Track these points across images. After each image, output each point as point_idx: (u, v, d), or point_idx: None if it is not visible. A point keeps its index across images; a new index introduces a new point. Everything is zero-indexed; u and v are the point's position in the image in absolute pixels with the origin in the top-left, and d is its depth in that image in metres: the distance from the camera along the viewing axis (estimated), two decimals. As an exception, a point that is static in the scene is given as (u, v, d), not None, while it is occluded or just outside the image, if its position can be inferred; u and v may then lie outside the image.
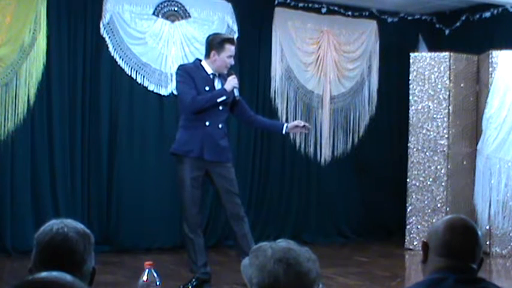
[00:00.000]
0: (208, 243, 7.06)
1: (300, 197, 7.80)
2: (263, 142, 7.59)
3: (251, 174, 7.49)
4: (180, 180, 5.21)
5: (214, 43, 5.20)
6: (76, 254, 1.90)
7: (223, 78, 5.26)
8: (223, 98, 5.15)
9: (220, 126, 5.22)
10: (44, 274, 1.28)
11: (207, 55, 5.23)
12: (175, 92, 7.00)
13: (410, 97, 7.50)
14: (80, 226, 1.99)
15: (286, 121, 7.66)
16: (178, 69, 5.34)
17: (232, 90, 5.21)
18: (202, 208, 5.82)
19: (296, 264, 1.57)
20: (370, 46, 8.18)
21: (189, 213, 5.19)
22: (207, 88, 5.17)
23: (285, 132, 5.53)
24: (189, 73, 5.18)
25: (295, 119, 7.69)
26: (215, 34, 5.49)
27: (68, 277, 1.28)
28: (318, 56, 7.89)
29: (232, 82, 5.19)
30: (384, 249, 7.46)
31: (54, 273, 1.29)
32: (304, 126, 5.43)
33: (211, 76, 5.23)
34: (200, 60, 5.34)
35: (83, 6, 6.68)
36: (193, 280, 5.22)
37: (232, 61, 5.22)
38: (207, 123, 5.16)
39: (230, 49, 5.17)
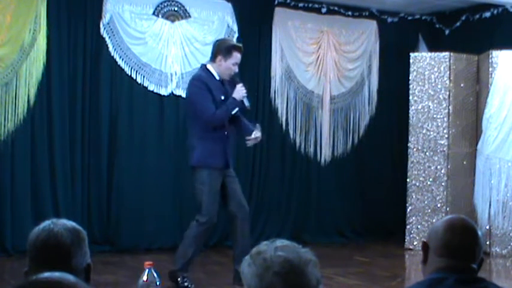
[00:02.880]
0: (208, 243, 7.07)
1: (300, 197, 7.80)
2: (263, 142, 7.58)
3: (251, 174, 7.48)
4: (200, 190, 5.20)
5: (222, 48, 5.23)
6: (62, 247, 1.90)
7: (227, 83, 5.32)
8: (237, 109, 5.24)
9: (231, 134, 5.35)
10: (46, 274, 1.28)
11: (213, 59, 5.26)
12: (175, 92, 7.02)
13: (410, 97, 7.50)
14: (70, 223, 1.99)
15: (286, 121, 7.69)
16: (194, 79, 5.28)
17: (242, 100, 5.26)
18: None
19: (295, 276, 1.56)
20: (370, 46, 8.18)
21: (209, 217, 5.23)
22: (222, 97, 5.23)
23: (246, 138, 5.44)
24: (207, 85, 5.19)
25: (295, 119, 7.74)
26: (224, 39, 5.60)
27: (70, 277, 1.28)
28: (318, 56, 7.89)
29: (241, 92, 5.23)
30: (384, 249, 7.46)
31: (57, 274, 1.29)
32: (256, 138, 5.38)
33: (221, 82, 5.28)
34: (205, 65, 5.36)
35: (83, 6, 6.68)
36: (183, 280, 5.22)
37: (236, 68, 5.26)
38: (226, 133, 5.27)
39: (237, 56, 5.23)
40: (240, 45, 5.42)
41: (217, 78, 5.25)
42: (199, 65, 7.04)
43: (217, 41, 5.48)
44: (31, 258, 1.93)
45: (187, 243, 5.26)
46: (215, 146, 5.20)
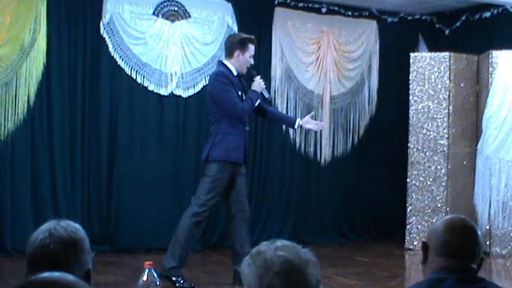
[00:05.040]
0: (208, 243, 7.08)
1: (300, 197, 7.80)
2: (263, 142, 7.59)
3: (251, 174, 7.47)
4: (211, 182, 5.21)
5: (237, 43, 5.29)
6: (58, 264, 1.87)
7: (242, 78, 5.40)
8: (259, 101, 5.34)
9: (248, 128, 5.40)
10: (45, 274, 1.28)
11: (230, 55, 5.29)
12: (175, 92, 7.02)
13: (410, 97, 7.50)
14: (68, 233, 1.92)
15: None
16: (218, 75, 5.27)
17: (262, 94, 5.38)
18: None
19: (295, 276, 1.56)
20: (370, 46, 8.18)
21: (206, 209, 5.24)
22: (239, 93, 5.28)
23: (298, 126, 5.60)
24: (230, 80, 5.23)
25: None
26: (234, 34, 5.65)
27: (70, 277, 1.28)
28: (318, 56, 7.89)
29: (261, 84, 5.33)
30: (384, 249, 7.46)
31: (56, 274, 1.29)
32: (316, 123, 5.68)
33: (237, 78, 5.32)
34: (222, 61, 5.41)
35: (83, 6, 6.68)
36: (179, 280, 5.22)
37: (252, 60, 5.33)
38: (247, 128, 5.35)
39: (252, 49, 5.31)
40: (253, 36, 5.47)
41: (235, 73, 5.29)
42: (199, 65, 7.12)
43: (229, 37, 5.56)
44: (28, 267, 1.92)
45: (180, 243, 5.25)
46: (237, 141, 5.25)
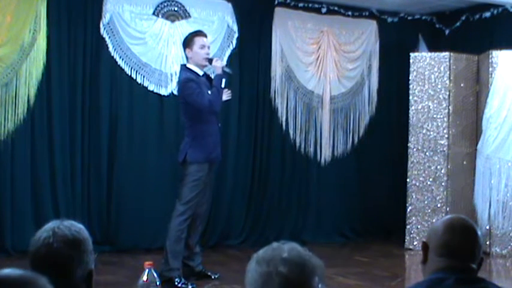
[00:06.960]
0: (208, 243, 7.08)
1: (299, 197, 7.79)
2: (263, 142, 7.59)
3: (251, 174, 7.48)
4: (195, 182, 5.29)
5: (184, 44, 5.45)
6: (61, 264, 1.87)
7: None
8: (224, 80, 5.33)
9: (219, 124, 5.47)
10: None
11: (186, 57, 5.43)
12: (175, 92, 7.02)
13: (410, 97, 7.50)
14: (72, 232, 1.94)
15: (286, 121, 7.68)
16: (185, 82, 5.32)
17: (224, 71, 5.37)
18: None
19: (296, 286, 1.57)
20: (370, 46, 8.18)
21: (194, 211, 5.33)
22: (209, 92, 5.31)
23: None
24: (196, 82, 5.27)
25: (295, 119, 7.73)
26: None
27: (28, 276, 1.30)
28: (318, 56, 7.88)
29: (218, 64, 5.35)
30: (384, 249, 7.45)
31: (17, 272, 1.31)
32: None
33: (206, 78, 5.41)
34: (185, 65, 5.47)
35: (83, 6, 6.68)
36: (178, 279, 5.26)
37: (207, 51, 5.38)
38: (220, 125, 5.42)
39: (200, 40, 5.36)
40: (199, 30, 5.60)
41: (201, 74, 5.37)
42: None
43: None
44: (31, 266, 1.92)
45: (170, 246, 5.36)
46: (213, 142, 5.33)
